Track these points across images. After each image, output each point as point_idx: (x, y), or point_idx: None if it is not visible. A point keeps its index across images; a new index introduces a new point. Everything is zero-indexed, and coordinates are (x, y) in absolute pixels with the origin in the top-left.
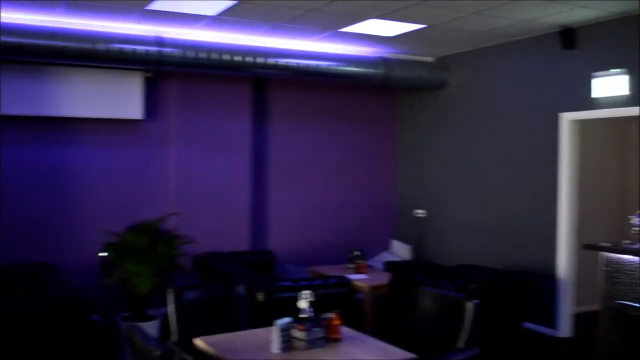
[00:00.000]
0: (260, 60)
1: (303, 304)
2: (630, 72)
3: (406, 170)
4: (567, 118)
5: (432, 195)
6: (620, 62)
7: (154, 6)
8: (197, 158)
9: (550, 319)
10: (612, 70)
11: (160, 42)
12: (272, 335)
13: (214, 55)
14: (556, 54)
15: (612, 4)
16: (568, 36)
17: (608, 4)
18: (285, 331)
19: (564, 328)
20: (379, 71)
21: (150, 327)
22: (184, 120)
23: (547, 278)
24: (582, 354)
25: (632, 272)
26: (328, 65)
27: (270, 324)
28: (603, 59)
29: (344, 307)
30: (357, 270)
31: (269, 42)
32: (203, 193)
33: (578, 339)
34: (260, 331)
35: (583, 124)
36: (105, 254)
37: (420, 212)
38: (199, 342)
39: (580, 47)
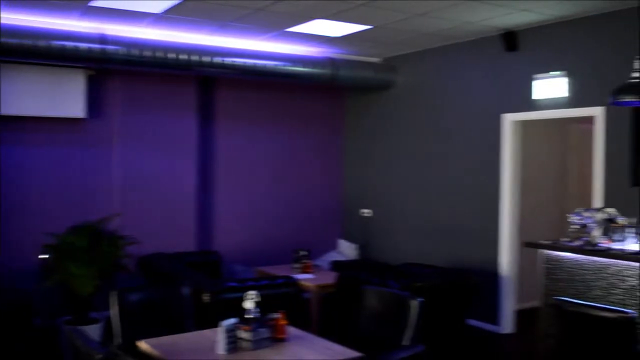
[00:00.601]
0: (206, 59)
1: (249, 304)
2: (569, 75)
3: (353, 170)
4: (509, 119)
5: (378, 194)
6: (560, 64)
7: (97, 3)
8: (141, 157)
9: (493, 316)
10: (552, 73)
11: (103, 39)
12: (218, 336)
13: (159, 54)
14: (499, 56)
15: (552, 8)
16: (510, 39)
17: (548, 8)
18: (231, 332)
19: (506, 324)
20: (326, 71)
21: (93, 331)
22: (128, 119)
23: (490, 275)
24: (523, 349)
25: (571, 269)
26: (275, 64)
27: (216, 325)
28: (544, 62)
29: (290, 307)
30: (304, 270)
31: (215, 41)
32: (148, 193)
33: (519, 334)
34: (206, 332)
35: (525, 124)
36: (46, 256)
37: (366, 212)
38: (143, 344)
39: (522, 49)
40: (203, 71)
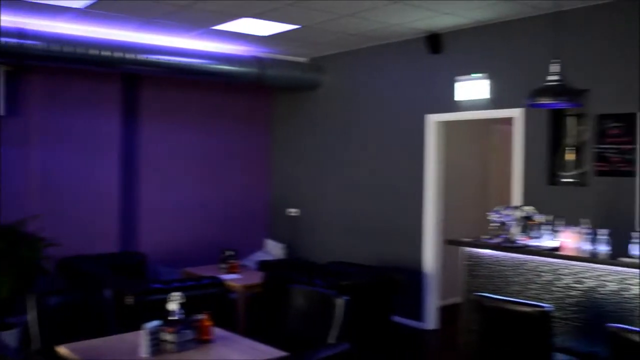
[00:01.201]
0: (130, 56)
1: (173, 305)
2: (491, 77)
3: (280, 170)
4: (432, 119)
5: (305, 194)
6: (481, 67)
7: None
8: (62, 156)
9: (417, 312)
10: (473, 75)
11: (21, 33)
12: (141, 339)
13: (80, 49)
14: (423, 57)
15: (473, 13)
16: (434, 41)
17: (470, 12)
18: (154, 334)
19: (430, 320)
20: (253, 70)
21: (10, 336)
22: (48, 116)
23: (415, 273)
24: (446, 344)
25: (490, 266)
26: (201, 63)
27: (140, 328)
28: (466, 64)
29: (217, 307)
30: (230, 270)
31: (140, 37)
32: (69, 194)
33: (443, 330)
34: (128, 336)
35: (448, 125)
36: None
37: (293, 211)
38: (62, 349)
39: (445, 52)
40: (127, 68)
